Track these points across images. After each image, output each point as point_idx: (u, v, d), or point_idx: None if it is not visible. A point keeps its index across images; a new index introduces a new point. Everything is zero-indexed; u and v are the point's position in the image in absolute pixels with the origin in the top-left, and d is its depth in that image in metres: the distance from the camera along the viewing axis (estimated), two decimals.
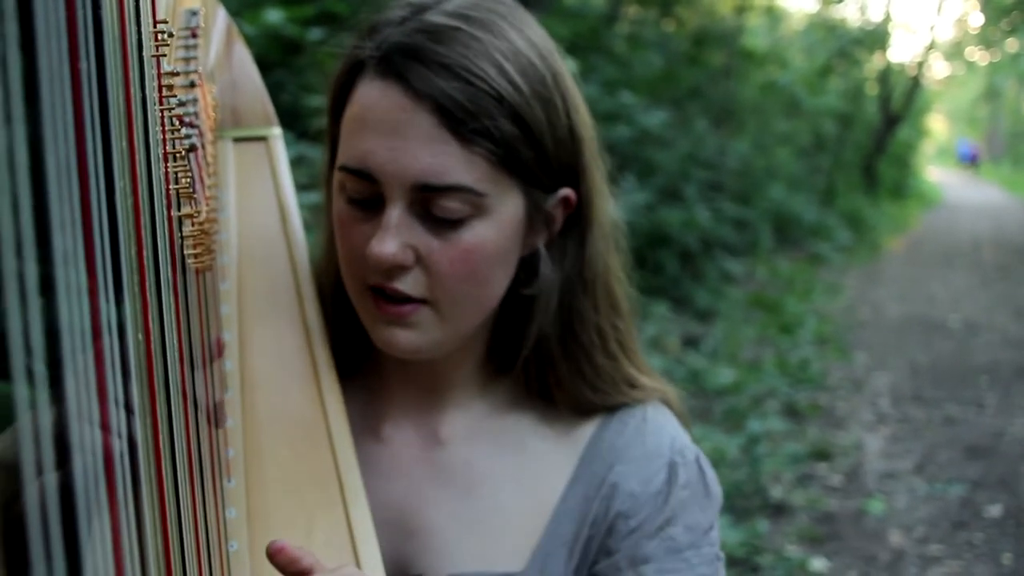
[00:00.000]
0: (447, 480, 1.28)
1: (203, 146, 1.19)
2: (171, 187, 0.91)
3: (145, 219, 0.74)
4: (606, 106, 8.61)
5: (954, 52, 35.94)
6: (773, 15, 18.35)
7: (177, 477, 0.81)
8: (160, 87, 0.88)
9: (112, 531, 0.59)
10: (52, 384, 0.57)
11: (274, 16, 5.18)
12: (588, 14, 11.10)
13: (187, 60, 1.22)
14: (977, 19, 30.31)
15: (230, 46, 1.46)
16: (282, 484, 1.15)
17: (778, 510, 5.46)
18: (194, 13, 1.31)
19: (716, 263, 10.47)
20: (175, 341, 0.88)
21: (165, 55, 0.87)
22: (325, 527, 1.11)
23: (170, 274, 0.85)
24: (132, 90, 0.74)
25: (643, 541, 1.24)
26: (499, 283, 1.22)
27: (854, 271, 14.39)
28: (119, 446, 0.67)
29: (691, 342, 8.27)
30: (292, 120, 5.53)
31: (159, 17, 0.90)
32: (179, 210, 0.95)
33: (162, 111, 0.88)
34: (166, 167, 0.89)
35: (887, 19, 25.15)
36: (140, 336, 0.71)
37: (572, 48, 9.70)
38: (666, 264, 9.21)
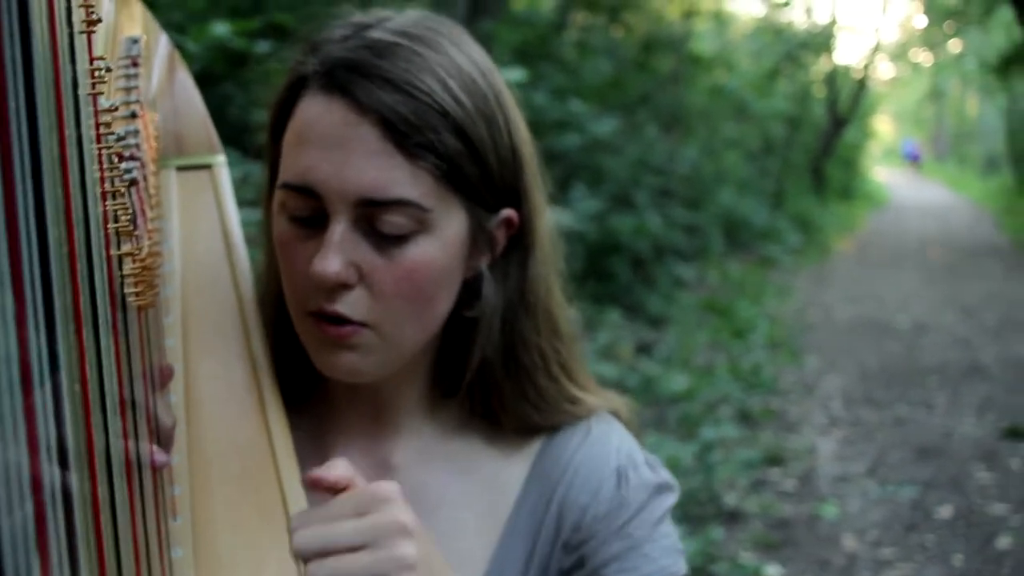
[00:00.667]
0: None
1: (145, 178, 1.17)
2: (110, 226, 0.89)
3: (81, 264, 0.73)
4: (556, 114, 8.62)
5: (899, 54, 36.41)
6: (720, 20, 18.48)
7: (117, 525, 0.79)
8: (97, 124, 0.86)
9: None
10: None
11: (220, 29, 5.13)
12: (537, 22, 11.12)
13: (128, 90, 1.20)
14: (921, 21, 30.71)
15: (172, 72, 1.44)
16: (230, 521, 1.13)
17: (732, 517, 5.48)
18: (135, 41, 1.28)
19: (668, 269, 10.52)
20: (115, 384, 0.87)
21: (102, 92, 0.85)
22: (274, 564, 1.09)
23: (109, 315, 0.83)
24: (67, 131, 0.72)
25: (601, 548, 1.23)
26: (443, 303, 1.21)
27: (804, 273, 14.52)
28: (51, 498, 0.65)
29: (644, 349, 8.30)
30: (239, 134, 5.50)
31: (96, 52, 0.88)
32: (118, 248, 0.93)
33: (100, 149, 0.86)
34: (104, 206, 0.87)
35: (832, 22, 25.45)
36: (77, 387, 0.69)
37: (521, 56, 9.71)
38: (618, 271, 9.24)
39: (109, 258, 0.88)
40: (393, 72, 1.13)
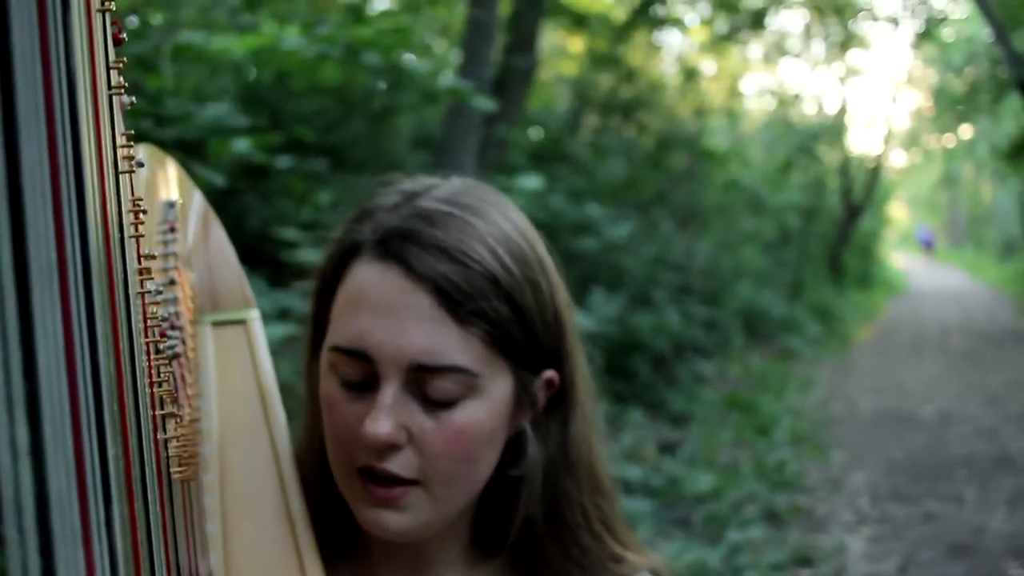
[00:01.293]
0: None
1: (183, 341, 1.20)
2: (156, 413, 0.92)
3: (136, 470, 0.75)
4: (572, 216, 8.70)
5: (911, 141, 36.62)
6: (732, 115, 18.67)
7: None
8: (146, 318, 0.90)
9: None
10: None
11: (241, 145, 5.23)
12: (551, 123, 11.27)
13: (166, 256, 1.24)
14: (929, 109, 30.95)
15: (207, 229, 1.48)
16: None
17: None
18: (171, 205, 1.33)
19: (688, 365, 10.51)
20: (162, 554, 0.89)
21: (150, 291, 0.89)
22: None
23: (159, 508, 0.86)
24: (121, 341, 0.75)
25: None
26: (488, 463, 1.23)
27: (825, 363, 14.46)
28: None
29: (667, 448, 8.26)
30: (259, 244, 5.58)
31: (144, 252, 0.92)
32: (164, 432, 0.96)
33: (148, 343, 0.89)
34: (151, 394, 0.90)
35: (843, 112, 25.65)
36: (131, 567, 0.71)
37: (536, 159, 9.84)
38: (639, 370, 9.24)
39: (157, 445, 0.91)
40: (446, 241, 1.17)
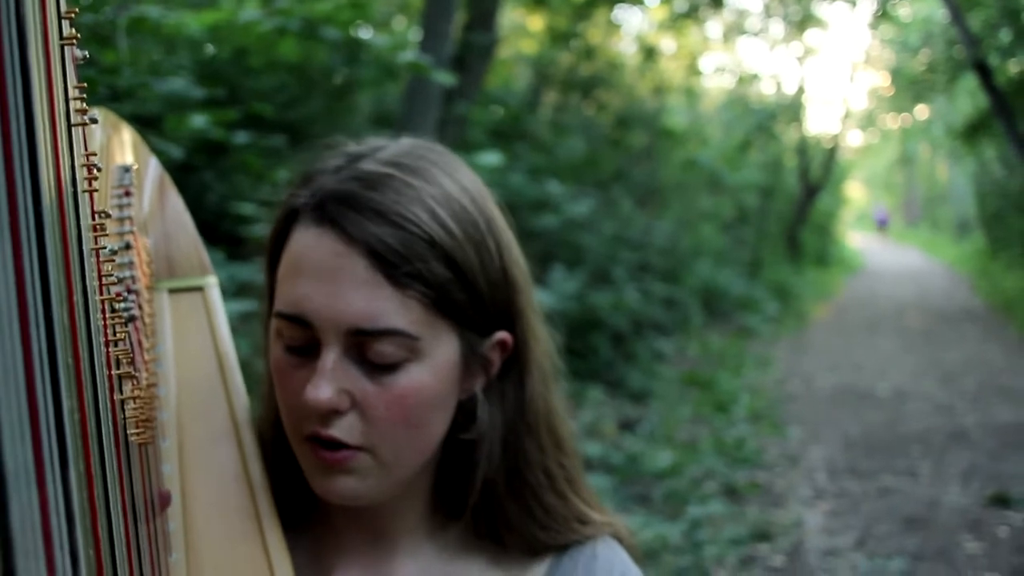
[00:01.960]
0: None
1: (140, 307, 1.19)
2: (113, 372, 0.90)
3: (91, 425, 0.74)
4: (532, 194, 8.69)
5: (868, 121, 36.87)
6: (691, 94, 18.71)
7: None
8: (100, 276, 0.88)
9: None
10: None
11: (199, 120, 5.17)
12: (511, 101, 11.24)
13: (121, 220, 1.22)
14: (887, 89, 31.16)
15: (163, 196, 1.46)
16: None
17: None
18: (127, 170, 1.31)
19: (647, 343, 10.55)
20: (122, 526, 0.87)
21: (105, 247, 0.87)
22: None
23: (115, 466, 0.84)
24: (75, 296, 0.74)
25: None
26: (437, 427, 1.22)
27: (783, 341, 14.57)
28: None
29: (627, 425, 8.29)
30: (218, 220, 5.53)
31: (97, 209, 0.90)
32: (120, 393, 0.94)
33: (103, 301, 0.88)
34: (107, 353, 0.89)
35: (801, 92, 25.78)
36: (91, 552, 0.70)
37: (496, 136, 9.81)
38: (599, 348, 9.26)
39: (113, 405, 0.89)
40: (382, 204, 1.16)
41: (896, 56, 28.06)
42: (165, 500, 1.19)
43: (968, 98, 22.26)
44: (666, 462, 7.32)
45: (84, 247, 0.83)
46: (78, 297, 0.75)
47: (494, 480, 1.26)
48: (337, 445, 1.17)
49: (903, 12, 23.46)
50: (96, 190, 0.85)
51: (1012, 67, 15.20)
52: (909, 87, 26.25)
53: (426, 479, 1.28)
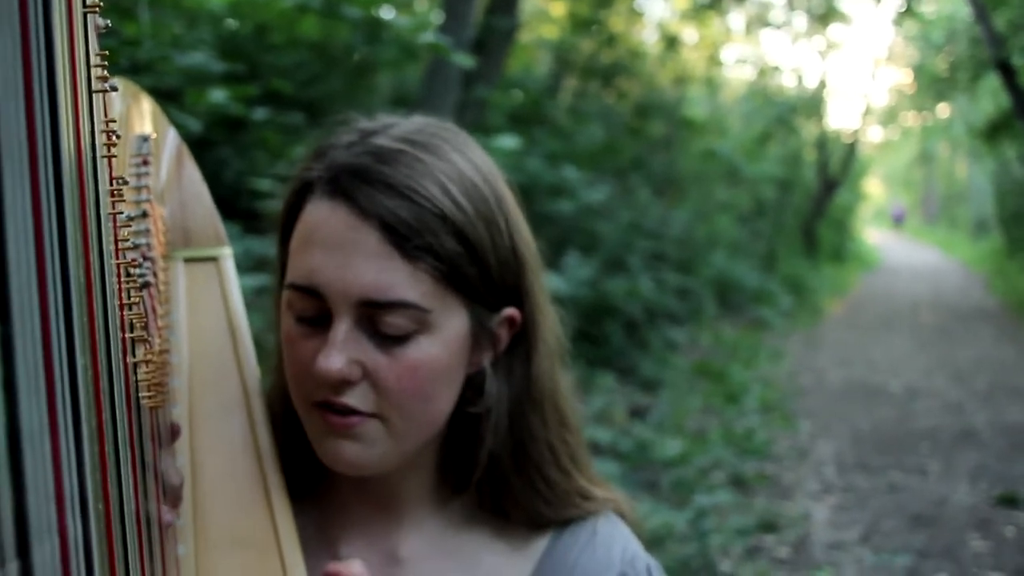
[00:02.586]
0: None
1: (155, 275, 1.20)
2: (126, 335, 0.92)
3: (104, 384, 0.75)
4: (549, 179, 8.69)
5: (888, 117, 36.68)
6: (712, 85, 18.65)
7: None
8: (116, 240, 0.89)
9: None
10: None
11: (218, 95, 5.19)
12: (531, 86, 11.23)
13: (139, 189, 1.23)
14: (909, 86, 31.00)
15: (180, 166, 1.48)
16: None
17: None
18: (145, 139, 1.32)
19: (660, 332, 10.54)
20: (131, 490, 0.89)
21: (122, 212, 0.89)
22: None
23: (127, 427, 0.86)
24: (92, 256, 0.75)
25: None
26: (445, 399, 1.24)
27: (796, 336, 14.55)
28: None
29: (637, 413, 8.30)
30: (235, 197, 5.56)
31: (112, 164, 0.92)
32: (134, 355, 0.96)
33: (118, 264, 0.89)
34: (122, 316, 0.90)
35: (823, 86, 25.67)
36: (100, 505, 0.71)
37: (515, 120, 9.81)
38: (611, 335, 9.27)
39: (126, 367, 0.91)
40: (395, 178, 1.17)
41: (919, 53, 27.91)
42: (175, 433, 1.22)
43: (990, 98, 22.13)
44: (675, 451, 7.33)
45: (102, 211, 0.85)
46: (94, 259, 0.76)
47: (499, 454, 1.28)
48: (348, 411, 1.19)
49: (927, 9, 23.32)
50: (115, 156, 0.86)
51: None
52: (931, 85, 26.13)
53: (432, 452, 1.30)
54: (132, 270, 0.96)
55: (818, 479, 7.56)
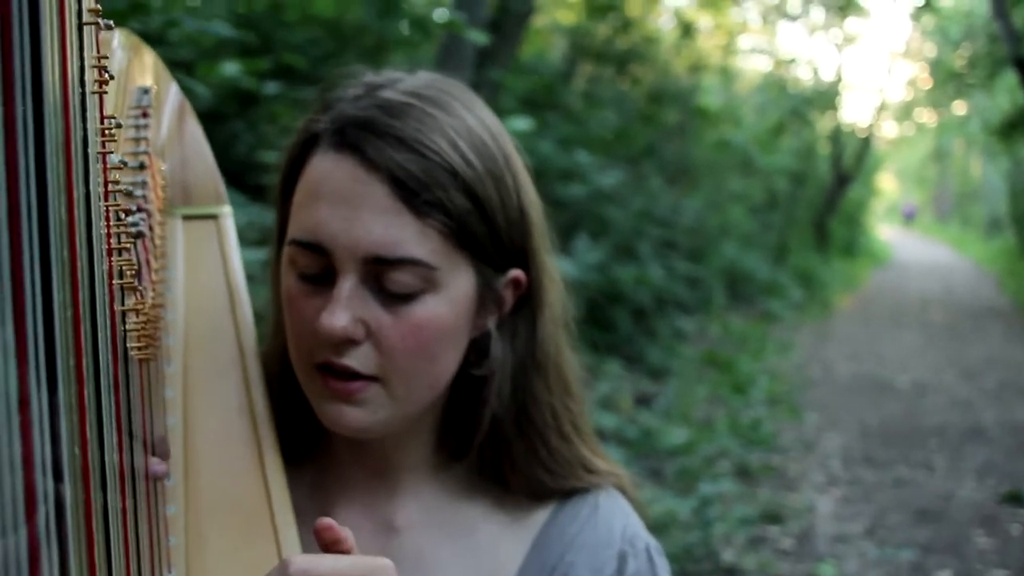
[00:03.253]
0: (400, 569, 1.25)
1: (151, 228, 1.17)
2: (115, 281, 0.89)
3: (85, 325, 0.72)
4: (561, 163, 8.64)
5: (904, 113, 36.54)
6: (727, 74, 18.58)
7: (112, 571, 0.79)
8: (106, 182, 0.86)
9: None
10: None
11: (230, 68, 5.15)
12: (545, 71, 11.17)
13: (137, 140, 1.20)
14: (926, 81, 30.87)
15: (182, 122, 1.44)
16: (223, 575, 1.12)
17: (730, 574, 5.44)
18: (145, 91, 1.29)
19: (669, 321, 10.50)
20: (115, 443, 0.86)
21: (112, 151, 0.85)
22: None
23: (111, 372, 0.83)
24: (76, 191, 0.72)
25: None
26: (449, 361, 1.20)
27: (806, 329, 14.49)
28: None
29: (644, 401, 8.27)
30: (245, 171, 5.54)
31: (107, 102, 0.89)
32: (123, 303, 0.93)
33: (107, 207, 0.86)
34: (110, 262, 0.87)
35: (838, 80, 25.57)
36: (77, 450, 0.68)
37: (528, 104, 9.75)
38: (619, 322, 9.23)
39: (113, 314, 0.88)
40: (404, 131, 1.14)
41: (936, 48, 27.78)
42: (165, 452, 1.18)
43: (1007, 95, 22.01)
44: (680, 439, 7.30)
45: (90, 149, 0.81)
46: (79, 194, 0.73)
47: (501, 418, 1.25)
48: (349, 375, 1.16)
49: (945, 3, 23.19)
50: (105, 92, 0.83)
51: None
52: (948, 81, 26.01)
53: (433, 417, 1.26)
54: (123, 215, 0.92)
55: (824, 471, 7.53)
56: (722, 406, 8.91)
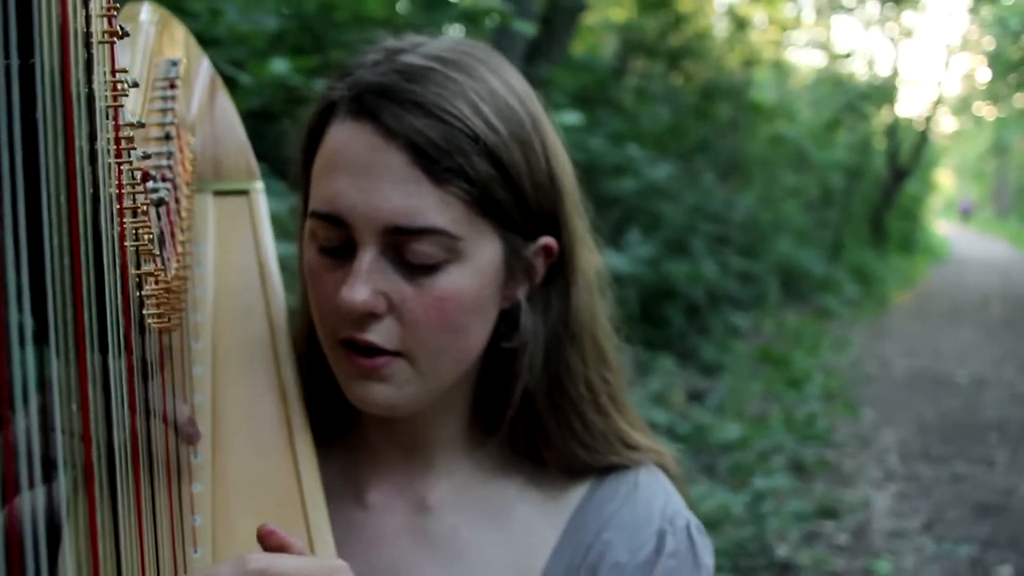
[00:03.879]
0: (432, 549, 1.22)
1: (177, 200, 1.15)
2: (128, 243, 0.86)
3: (87, 278, 0.69)
4: (613, 159, 8.59)
5: (962, 107, 36.05)
6: (781, 69, 18.40)
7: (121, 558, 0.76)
8: (118, 139, 0.84)
9: None
10: None
11: (280, 66, 5.15)
12: (596, 67, 11.11)
13: (164, 111, 1.18)
14: (984, 74, 30.42)
15: (213, 97, 1.42)
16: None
17: (784, 569, 5.37)
18: (174, 63, 1.27)
19: (722, 317, 10.39)
20: (125, 407, 0.83)
21: (123, 105, 0.82)
22: None
23: (121, 337, 0.80)
24: (76, 141, 0.69)
25: None
26: (477, 333, 1.17)
27: (861, 325, 14.31)
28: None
29: (696, 396, 8.19)
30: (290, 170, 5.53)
31: (132, 70, 0.86)
32: (138, 268, 0.90)
33: (120, 164, 0.83)
34: (123, 223, 0.85)
35: (895, 74, 25.25)
36: (75, 406, 0.65)
37: (579, 100, 9.70)
38: (672, 318, 9.15)
39: (126, 276, 0.85)
40: (423, 96, 1.10)
41: (995, 41, 27.35)
42: (195, 437, 1.15)
43: None
44: (734, 434, 7.21)
45: (98, 103, 0.79)
46: (80, 141, 0.70)
47: (534, 392, 1.21)
48: (373, 351, 1.13)
49: None
50: (113, 42, 0.80)
51: None
52: (1007, 73, 25.61)
53: (464, 392, 1.23)
54: (141, 178, 0.90)
55: (880, 467, 7.42)
56: (776, 402, 8.80)
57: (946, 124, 39.41)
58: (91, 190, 0.73)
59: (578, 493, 1.24)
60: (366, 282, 1.10)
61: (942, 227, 43.20)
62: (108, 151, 0.81)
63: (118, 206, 0.84)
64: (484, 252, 1.13)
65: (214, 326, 1.27)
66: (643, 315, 8.34)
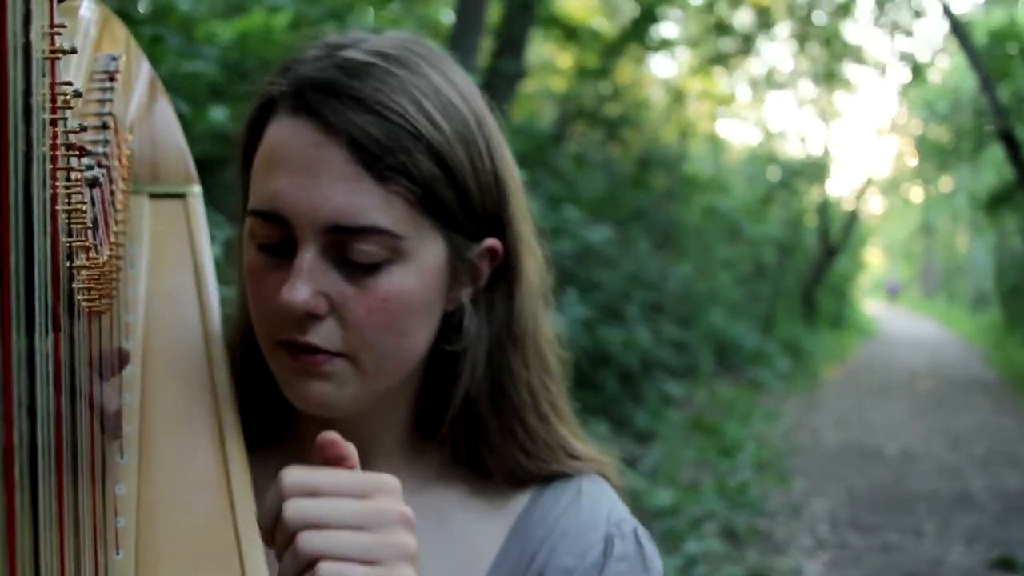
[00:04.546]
0: None
1: (112, 192, 1.11)
2: (59, 208, 0.82)
3: (16, 254, 0.65)
4: (550, 221, 8.62)
5: (891, 187, 36.82)
6: (716, 143, 18.69)
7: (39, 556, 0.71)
8: (55, 108, 0.80)
9: None
10: None
11: (218, 113, 5.11)
12: (535, 133, 11.20)
13: (101, 102, 1.14)
14: (912, 156, 31.14)
15: (153, 100, 1.39)
16: (176, 561, 1.04)
17: None
18: (114, 58, 1.23)
19: (656, 384, 10.43)
20: (51, 392, 0.79)
21: (59, 58, 0.79)
22: None
23: (49, 317, 0.75)
24: (9, 92, 0.65)
25: None
26: (420, 335, 1.13)
27: (793, 398, 14.42)
28: None
29: (629, 463, 8.14)
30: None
31: (71, 78, 0.83)
32: (70, 236, 0.86)
33: (54, 125, 0.80)
34: (55, 184, 0.81)
35: (826, 153, 25.77)
36: None
37: (519, 164, 9.77)
38: (606, 383, 9.15)
39: (56, 255, 0.81)
40: (364, 92, 1.08)
41: (922, 124, 28.03)
42: (123, 360, 1.11)
43: (992, 170, 22.19)
44: (667, 500, 7.20)
45: (35, 54, 0.75)
46: (14, 96, 0.66)
47: (476, 396, 1.17)
48: (315, 350, 1.09)
49: (933, 74, 23.42)
50: (58, 58, 0.77)
51: None
52: (934, 156, 26.21)
53: (406, 397, 1.19)
54: (71, 136, 0.86)
55: (811, 536, 7.43)
56: (709, 470, 8.81)
57: (876, 204, 40.23)
58: (24, 148, 0.69)
59: (521, 502, 1.21)
60: (306, 282, 1.07)
61: (871, 306, 43.83)
62: (40, 104, 0.77)
63: (51, 166, 0.80)
64: (427, 252, 1.10)
65: (146, 327, 1.22)
66: (577, 380, 8.31)
